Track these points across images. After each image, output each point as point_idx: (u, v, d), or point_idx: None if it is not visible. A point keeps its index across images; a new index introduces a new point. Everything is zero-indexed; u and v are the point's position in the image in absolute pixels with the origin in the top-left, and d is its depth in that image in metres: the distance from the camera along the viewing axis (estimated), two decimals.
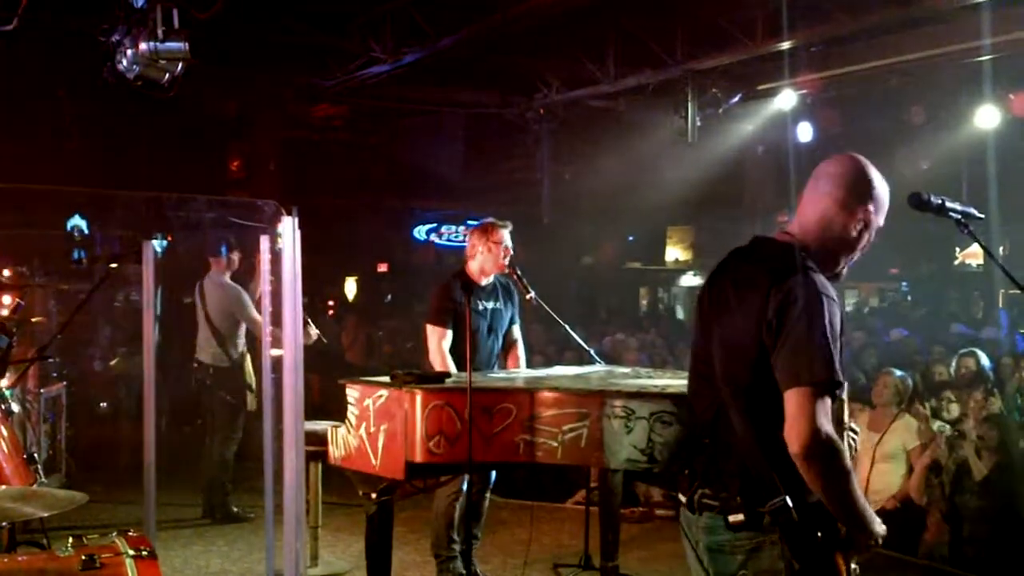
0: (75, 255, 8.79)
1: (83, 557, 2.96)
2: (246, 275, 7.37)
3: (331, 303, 16.30)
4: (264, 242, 5.26)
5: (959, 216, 2.91)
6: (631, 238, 21.00)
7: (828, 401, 2.53)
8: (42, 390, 7.41)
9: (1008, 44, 9.26)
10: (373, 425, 4.29)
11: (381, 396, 4.28)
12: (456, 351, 5.36)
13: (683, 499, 2.81)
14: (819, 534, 2.60)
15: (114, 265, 5.87)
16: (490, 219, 5.63)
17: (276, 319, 5.12)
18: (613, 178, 15.02)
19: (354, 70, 11.38)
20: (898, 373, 6.87)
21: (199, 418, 8.16)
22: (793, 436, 2.51)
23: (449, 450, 4.13)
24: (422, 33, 10.16)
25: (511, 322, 5.72)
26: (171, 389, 8.52)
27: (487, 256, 5.52)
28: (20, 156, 10.28)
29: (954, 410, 7.08)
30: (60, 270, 9.79)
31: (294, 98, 13.86)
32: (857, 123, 12.84)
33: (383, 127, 17.54)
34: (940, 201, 2.87)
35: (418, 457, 4.13)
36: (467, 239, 5.74)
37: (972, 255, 17.54)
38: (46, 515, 3.30)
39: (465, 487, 5.37)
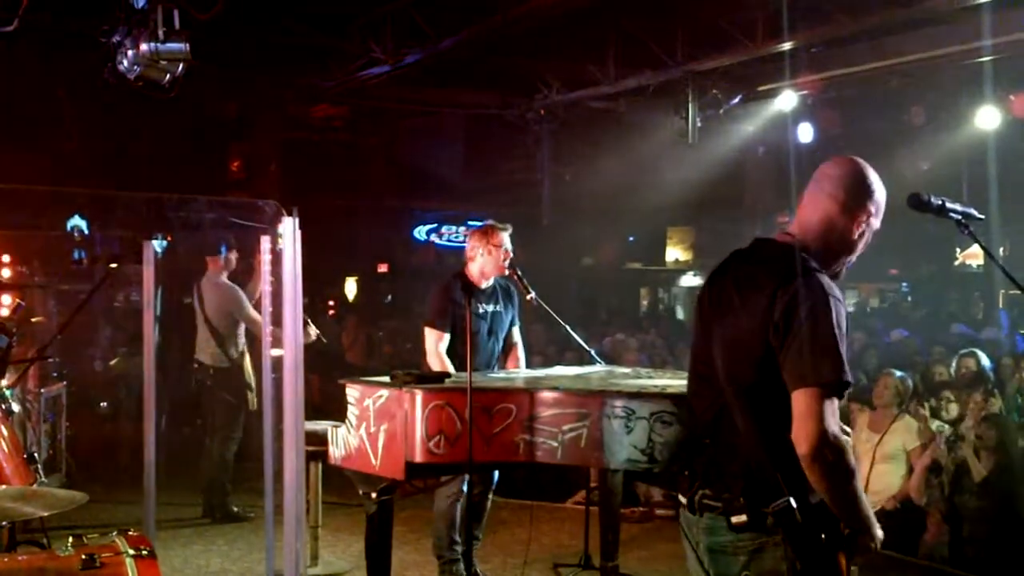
0: (75, 255, 8.82)
1: (83, 556, 2.97)
2: (244, 275, 7.37)
3: (331, 303, 16.29)
4: (265, 242, 5.27)
5: (959, 217, 2.92)
6: (631, 239, 20.97)
7: (836, 402, 2.53)
8: (42, 390, 7.40)
9: (1008, 45, 9.25)
10: (373, 425, 4.29)
11: (381, 396, 4.28)
12: (456, 353, 5.35)
13: (683, 500, 2.81)
14: (823, 535, 2.60)
15: (114, 265, 5.88)
16: (490, 221, 5.62)
17: (276, 319, 5.13)
18: (613, 179, 14.98)
19: (354, 71, 11.36)
20: (898, 374, 6.89)
21: (199, 418, 8.17)
22: (801, 437, 2.51)
23: (449, 450, 4.13)
24: (422, 34, 10.15)
25: (511, 324, 5.71)
26: (171, 389, 8.51)
27: (487, 259, 5.50)
28: (20, 156, 10.27)
29: (953, 410, 7.09)
30: (60, 270, 9.80)
31: (294, 99, 13.86)
32: (857, 124, 12.84)
33: (383, 128, 17.52)
34: (940, 202, 2.88)
35: (418, 457, 4.13)
36: (467, 241, 5.72)
37: (972, 256, 17.52)
38: (46, 515, 3.31)
39: (465, 488, 5.36)
